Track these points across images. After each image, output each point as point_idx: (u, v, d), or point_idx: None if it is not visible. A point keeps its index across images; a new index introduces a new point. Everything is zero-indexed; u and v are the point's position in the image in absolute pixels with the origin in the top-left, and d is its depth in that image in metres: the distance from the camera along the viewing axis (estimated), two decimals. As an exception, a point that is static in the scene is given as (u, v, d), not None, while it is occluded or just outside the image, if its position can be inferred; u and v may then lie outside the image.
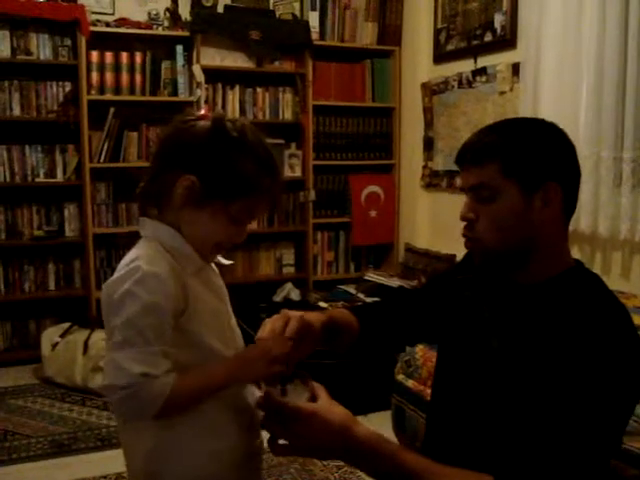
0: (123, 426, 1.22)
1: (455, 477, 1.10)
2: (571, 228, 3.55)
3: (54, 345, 3.75)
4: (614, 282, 2.97)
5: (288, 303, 4.39)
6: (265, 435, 1.20)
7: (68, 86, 4.11)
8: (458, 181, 4.05)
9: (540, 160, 1.19)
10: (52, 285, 4.26)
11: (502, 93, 3.75)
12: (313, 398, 1.16)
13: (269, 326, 1.25)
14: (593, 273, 1.25)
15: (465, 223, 1.26)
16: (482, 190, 1.21)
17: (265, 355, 1.16)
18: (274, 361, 1.15)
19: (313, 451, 1.17)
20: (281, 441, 1.15)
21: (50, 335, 3.84)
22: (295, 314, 1.28)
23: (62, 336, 3.78)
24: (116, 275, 1.12)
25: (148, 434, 1.15)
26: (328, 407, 1.14)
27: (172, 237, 1.17)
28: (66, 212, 4.23)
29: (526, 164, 1.19)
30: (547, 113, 3.22)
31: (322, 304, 4.13)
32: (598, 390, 1.06)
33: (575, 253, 3.48)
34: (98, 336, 3.64)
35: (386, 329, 1.52)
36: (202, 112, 1.20)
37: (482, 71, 3.91)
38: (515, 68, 3.64)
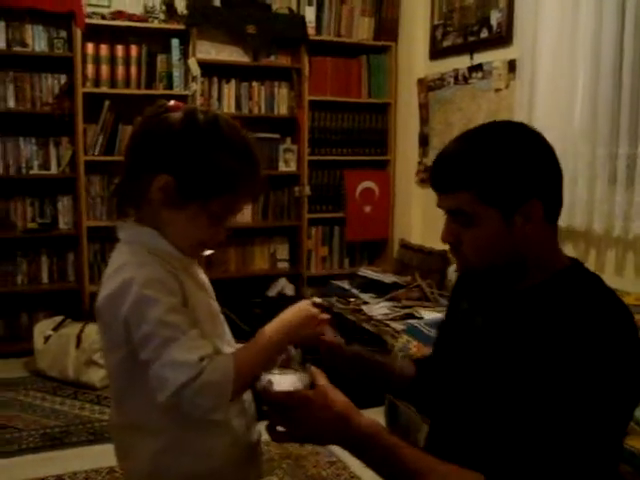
0: (123, 430, 1.20)
1: (447, 475, 1.10)
2: (566, 225, 3.53)
3: (47, 338, 3.74)
4: (608, 279, 2.94)
5: (282, 298, 4.39)
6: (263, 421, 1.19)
7: (63, 78, 4.10)
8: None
9: (517, 182, 1.14)
10: (45, 278, 4.25)
11: (498, 90, 3.75)
12: (312, 384, 1.15)
13: None
14: (591, 272, 1.23)
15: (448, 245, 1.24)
16: (460, 216, 1.18)
17: (313, 317, 1.20)
18: (320, 322, 1.21)
19: (312, 438, 1.17)
20: (279, 427, 1.15)
21: (43, 328, 3.82)
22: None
23: (55, 329, 3.77)
24: (109, 288, 1.09)
25: (153, 436, 1.14)
26: (328, 394, 1.13)
27: (154, 238, 1.13)
28: (60, 205, 4.22)
29: (504, 190, 1.14)
30: (542, 110, 3.22)
31: (316, 299, 4.11)
32: (596, 391, 1.05)
33: (570, 250, 3.47)
34: (91, 329, 3.62)
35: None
36: (172, 103, 1.14)
37: (478, 67, 3.90)
38: (511, 65, 3.64)
